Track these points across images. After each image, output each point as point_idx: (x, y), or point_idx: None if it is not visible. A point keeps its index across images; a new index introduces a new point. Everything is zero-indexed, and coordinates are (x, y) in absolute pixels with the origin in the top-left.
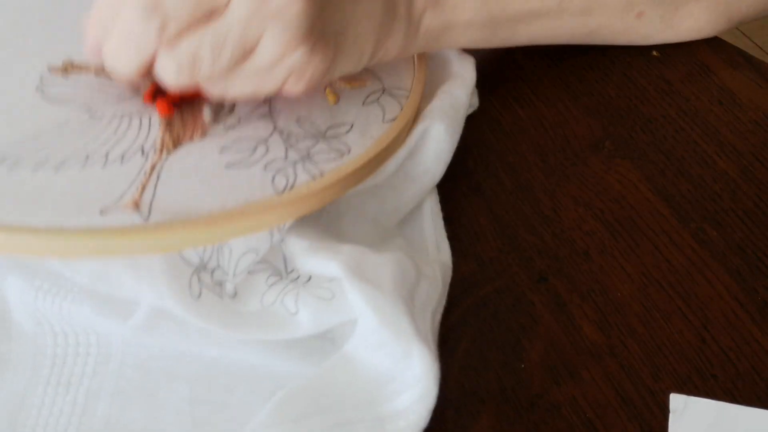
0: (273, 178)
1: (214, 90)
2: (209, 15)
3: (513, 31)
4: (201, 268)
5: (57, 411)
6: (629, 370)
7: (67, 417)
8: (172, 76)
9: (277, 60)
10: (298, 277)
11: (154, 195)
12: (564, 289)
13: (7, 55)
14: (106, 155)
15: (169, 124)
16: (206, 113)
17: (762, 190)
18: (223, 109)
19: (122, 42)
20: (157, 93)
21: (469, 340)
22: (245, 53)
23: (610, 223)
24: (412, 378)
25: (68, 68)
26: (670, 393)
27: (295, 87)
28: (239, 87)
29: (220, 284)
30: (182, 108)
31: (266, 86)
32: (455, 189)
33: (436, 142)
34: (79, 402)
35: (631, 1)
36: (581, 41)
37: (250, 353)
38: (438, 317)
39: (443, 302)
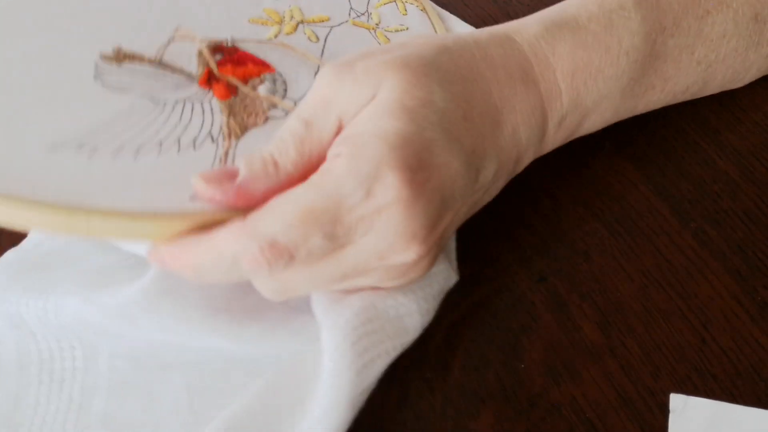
0: None
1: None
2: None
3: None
4: None
5: (53, 409)
6: (629, 370)
7: (64, 414)
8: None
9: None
10: None
11: None
12: (564, 289)
13: (59, 44)
14: (178, 141)
15: (231, 110)
16: (263, 94)
17: (762, 190)
18: (276, 92)
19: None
20: (210, 77)
21: (469, 340)
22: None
23: (610, 223)
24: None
25: (120, 57)
26: (669, 393)
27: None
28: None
29: None
30: (239, 92)
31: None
32: None
33: None
34: (75, 398)
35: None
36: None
37: (244, 340)
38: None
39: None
